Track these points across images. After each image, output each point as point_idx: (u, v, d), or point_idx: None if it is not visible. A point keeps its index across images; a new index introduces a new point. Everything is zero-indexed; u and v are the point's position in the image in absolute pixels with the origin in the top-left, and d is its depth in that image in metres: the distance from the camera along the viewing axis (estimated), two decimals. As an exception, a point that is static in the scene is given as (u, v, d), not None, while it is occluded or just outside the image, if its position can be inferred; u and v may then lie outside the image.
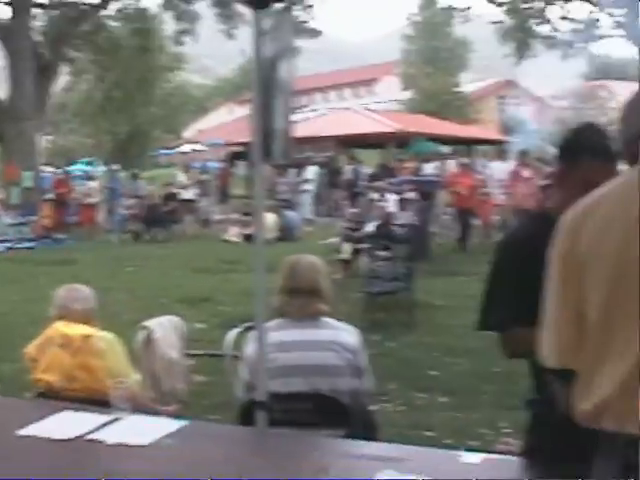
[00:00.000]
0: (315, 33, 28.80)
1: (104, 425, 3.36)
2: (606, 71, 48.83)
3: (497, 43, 30.94)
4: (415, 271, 10.80)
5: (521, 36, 29.89)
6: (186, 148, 38.61)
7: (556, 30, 29.57)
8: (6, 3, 24.06)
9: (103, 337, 4.49)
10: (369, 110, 35.86)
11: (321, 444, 3.45)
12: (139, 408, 3.76)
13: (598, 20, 28.95)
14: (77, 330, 4.47)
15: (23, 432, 3.27)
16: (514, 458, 3.05)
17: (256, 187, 3.75)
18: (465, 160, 20.65)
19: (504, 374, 6.85)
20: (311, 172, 25.29)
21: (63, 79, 36.97)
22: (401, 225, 13.23)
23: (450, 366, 7.99)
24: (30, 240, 20.00)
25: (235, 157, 32.31)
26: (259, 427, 3.47)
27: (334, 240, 13.99)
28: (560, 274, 2.23)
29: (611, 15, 29.05)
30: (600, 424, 2.11)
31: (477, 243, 16.28)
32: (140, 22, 30.39)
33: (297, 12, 26.28)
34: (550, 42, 29.73)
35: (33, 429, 3.31)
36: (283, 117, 3.50)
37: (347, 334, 3.97)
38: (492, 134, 36.01)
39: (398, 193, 15.97)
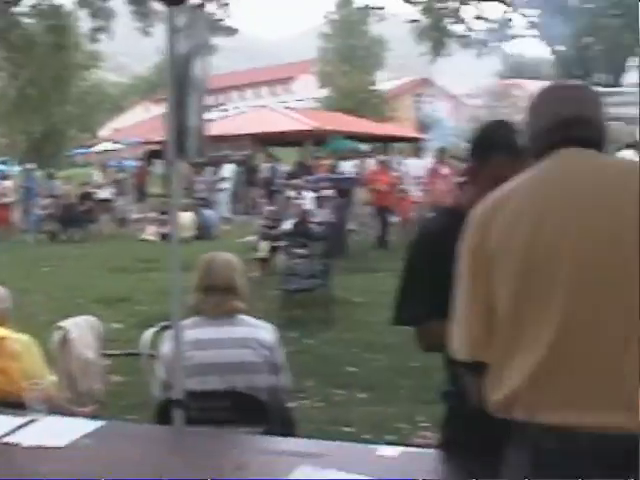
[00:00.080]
0: (231, 31, 28.81)
1: (19, 427, 3.31)
2: (519, 70, 49.76)
3: (413, 42, 31.37)
4: (332, 268, 10.87)
5: (436, 35, 30.33)
6: (102, 147, 38.15)
7: (471, 29, 30.15)
8: None
9: (18, 339, 4.42)
10: (286, 108, 35.89)
11: (240, 441, 3.46)
12: (55, 409, 3.72)
13: (511, 20, 29.60)
14: (-8, 332, 4.38)
15: None
16: (431, 451, 3.09)
17: (172, 185, 3.74)
18: (383, 158, 20.71)
19: (421, 369, 6.89)
20: (228, 170, 25.15)
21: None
22: (318, 223, 13.26)
23: (368, 362, 8.03)
24: (-56, 240, 19.45)
25: (152, 155, 31.94)
26: (177, 426, 3.46)
27: (251, 238, 13.95)
28: (470, 268, 2.26)
29: (524, 15, 29.71)
30: (511, 414, 2.15)
31: (396, 240, 16.39)
32: (55, 19, 29.96)
33: (213, 10, 26.20)
34: (465, 41, 30.27)
35: (-55, 433, 3.24)
36: (197, 115, 3.50)
37: (264, 331, 3.98)
38: (408, 132, 36.32)
39: (315, 191, 16.02)
